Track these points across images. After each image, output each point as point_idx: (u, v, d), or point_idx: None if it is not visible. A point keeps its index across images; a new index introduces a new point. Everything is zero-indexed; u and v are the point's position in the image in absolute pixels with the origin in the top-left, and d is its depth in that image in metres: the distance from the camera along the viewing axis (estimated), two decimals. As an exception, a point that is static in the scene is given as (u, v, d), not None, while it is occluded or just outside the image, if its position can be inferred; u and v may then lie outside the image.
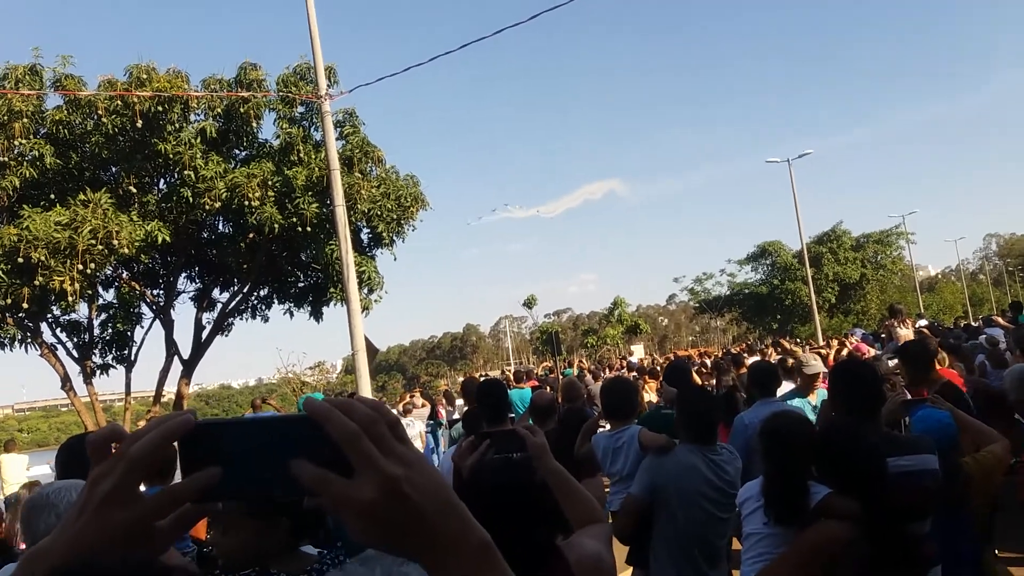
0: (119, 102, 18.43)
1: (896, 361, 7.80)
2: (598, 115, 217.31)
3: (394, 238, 21.46)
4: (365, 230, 21.48)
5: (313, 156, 20.29)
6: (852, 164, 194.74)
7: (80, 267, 17.04)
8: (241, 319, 23.85)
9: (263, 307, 24.05)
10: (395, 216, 20.99)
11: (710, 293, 74.14)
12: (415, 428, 14.52)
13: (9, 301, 17.19)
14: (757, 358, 14.67)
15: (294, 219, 19.51)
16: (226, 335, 23.68)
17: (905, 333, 12.84)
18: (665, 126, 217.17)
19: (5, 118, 17.64)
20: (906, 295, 66.61)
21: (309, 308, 23.50)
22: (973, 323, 29.73)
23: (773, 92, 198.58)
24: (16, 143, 17.97)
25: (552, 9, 13.80)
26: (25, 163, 18.47)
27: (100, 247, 17.26)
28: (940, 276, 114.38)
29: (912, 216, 65.34)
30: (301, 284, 23.55)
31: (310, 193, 19.61)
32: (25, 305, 17.29)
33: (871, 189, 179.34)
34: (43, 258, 16.65)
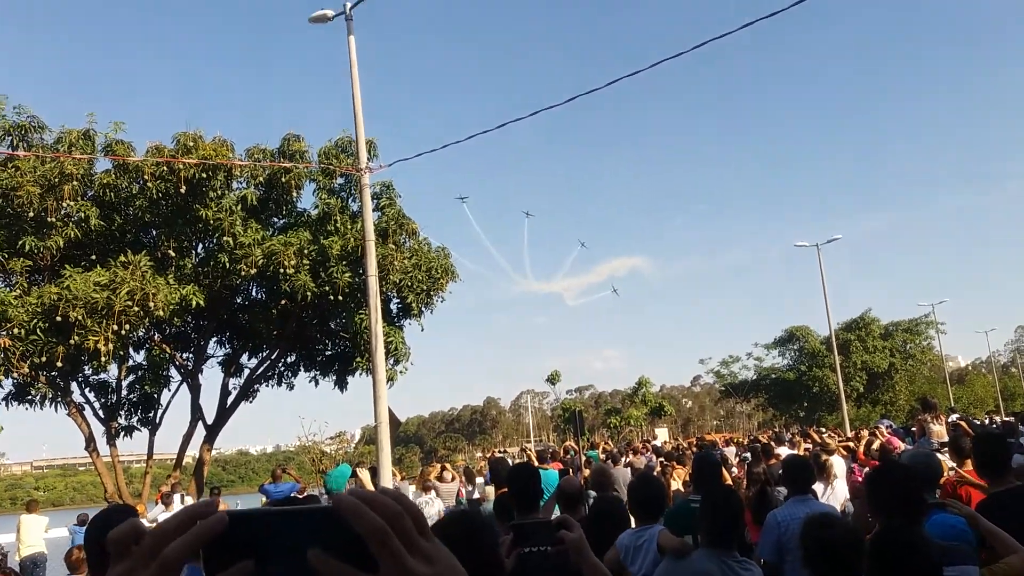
0: (165, 168, 18.98)
1: (947, 455, 7.66)
2: (626, 192, 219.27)
3: (423, 309, 21.65)
4: (395, 300, 21.72)
5: (349, 226, 20.66)
6: (881, 250, 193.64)
7: (115, 327, 17.33)
8: (267, 385, 23.98)
9: (289, 374, 24.20)
10: (425, 287, 21.22)
11: (736, 377, 73.36)
12: (434, 507, 13.83)
13: (44, 359, 17.47)
14: (786, 448, 14.47)
15: (327, 287, 19.77)
16: (251, 401, 23.79)
17: (938, 429, 12.64)
18: (692, 205, 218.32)
19: (56, 180, 18.20)
20: (935, 386, 65.45)
21: (334, 377, 23.61)
22: (1006, 417, 29.11)
23: (802, 175, 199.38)
24: (64, 204, 18.50)
25: (587, 93, 14.20)
26: (71, 224, 18.98)
27: (136, 308, 17.56)
28: (970, 368, 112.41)
29: (942, 305, 64.70)
30: (328, 352, 23.72)
31: (344, 262, 19.92)
32: (59, 364, 17.54)
33: (900, 276, 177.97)
34: (80, 317, 16.96)
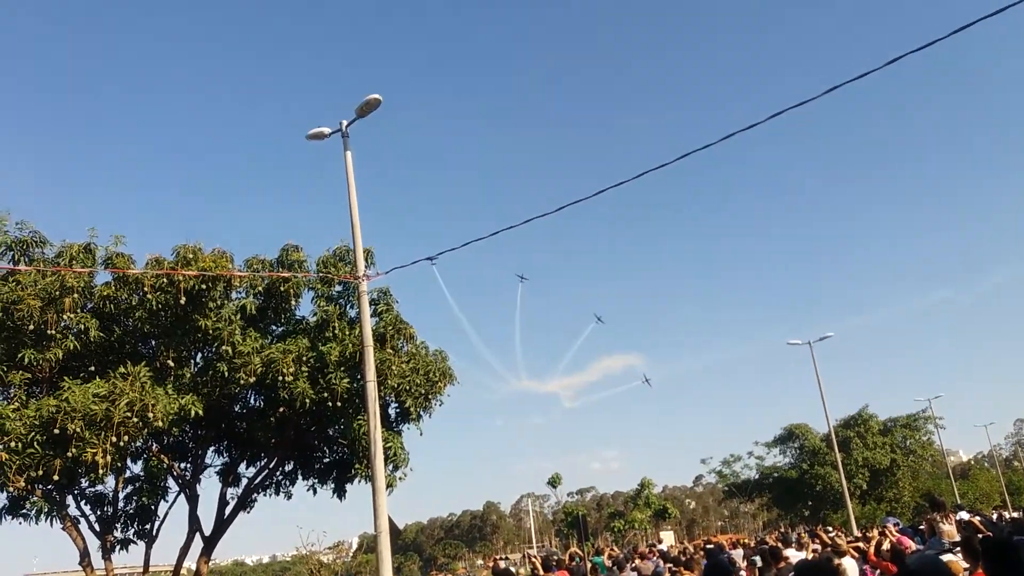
0: (165, 280, 19.20)
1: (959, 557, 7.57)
2: (618, 291, 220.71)
3: (421, 413, 21.54)
4: (393, 405, 21.62)
5: (347, 332, 20.77)
6: (874, 346, 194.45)
7: (114, 439, 17.19)
8: (264, 494, 23.59)
9: (287, 483, 23.84)
10: (423, 391, 21.17)
11: (739, 476, 72.32)
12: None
13: (40, 472, 17.24)
14: (794, 550, 14.22)
15: (325, 394, 19.73)
16: (248, 511, 23.36)
17: (949, 528, 12.49)
18: (684, 305, 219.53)
19: (57, 293, 18.36)
20: (939, 482, 64.59)
21: (333, 484, 23.26)
22: (1013, 513, 28.63)
23: (793, 273, 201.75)
24: (65, 317, 18.61)
25: (578, 201, 14.53)
26: (70, 336, 19.05)
27: (135, 420, 17.46)
28: (972, 462, 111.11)
29: (939, 400, 64.42)
30: (327, 460, 23.45)
31: (342, 368, 19.94)
32: (56, 477, 17.32)
33: (896, 371, 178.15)
34: (78, 430, 16.85)
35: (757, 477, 70.43)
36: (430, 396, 21.49)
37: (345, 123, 16.16)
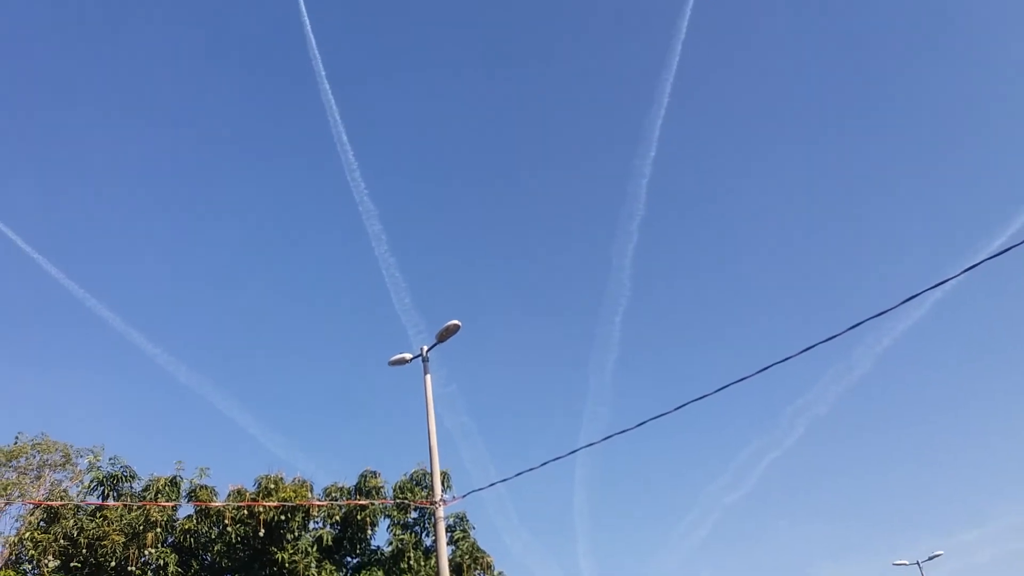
0: (245, 511, 19.36)
1: None
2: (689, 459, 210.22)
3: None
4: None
5: (423, 563, 20.35)
6: (992, 564, 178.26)
7: None
8: None
9: None
10: (502, 627, 20.26)
11: None
12: None
13: None
14: None
15: (401, 629, 19.03)
16: None
17: None
18: (775, 518, 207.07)
19: (141, 527, 18.63)
20: None
21: None
22: None
23: (893, 482, 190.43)
24: (146, 552, 18.74)
25: (658, 417, 14.56)
26: (149, 572, 19.05)
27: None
28: None
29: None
30: None
31: (418, 602, 19.36)
32: None
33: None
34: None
35: None
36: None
37: (425, 348, 16.84)
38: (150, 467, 22.14)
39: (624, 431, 13.69)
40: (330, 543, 20.36)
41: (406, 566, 20.44)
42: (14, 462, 22.56)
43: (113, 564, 18.33)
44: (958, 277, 9.61)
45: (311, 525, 20.55)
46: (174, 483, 20.24)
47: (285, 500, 19.42)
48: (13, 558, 19.61)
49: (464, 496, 20.15)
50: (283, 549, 19.57)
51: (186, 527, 19.92)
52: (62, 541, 18.61)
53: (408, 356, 17.09)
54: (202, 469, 20.75)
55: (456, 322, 16.10)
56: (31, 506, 20.27)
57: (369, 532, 21.30)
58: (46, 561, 18.58)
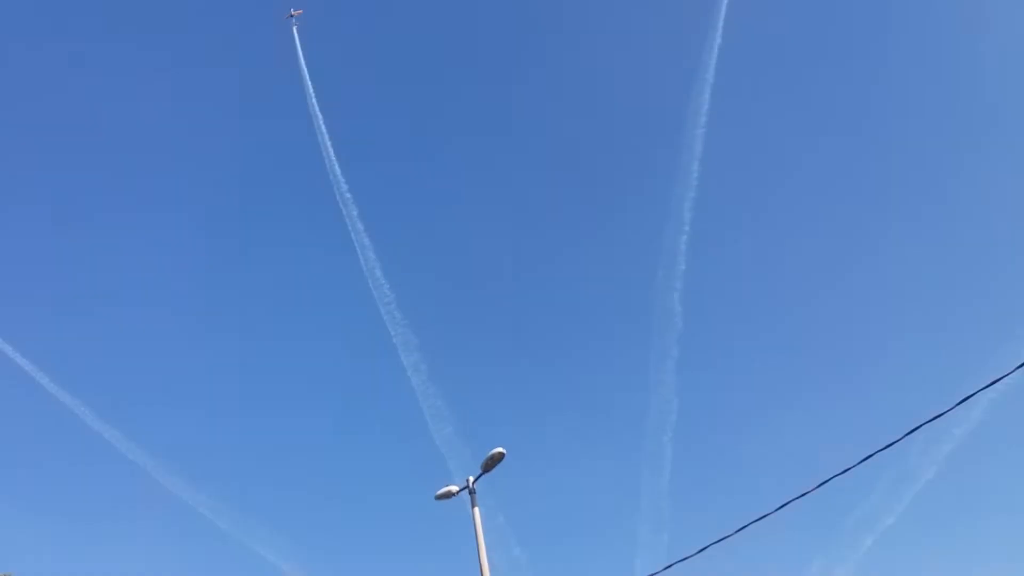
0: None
1: None
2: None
3: None
4: None
5: None
6: None
7: None
8: None
9: None
10: None
11: None
12: None
13: None
14: None
15: None
16: None
17: None
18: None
19: None
20: None
21: None
22: None
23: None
24: None
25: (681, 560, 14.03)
26: None
27: None
28: None
29: None
30: None
31: None
32: None
33: None
34: None
35: None
36: None
37: (472, 479, 16.58)
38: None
39: (685, 559, 13.21)
40: None
41: None
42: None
43: None
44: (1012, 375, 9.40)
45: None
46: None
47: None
48: None
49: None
50: None
51: None
52: None
53: (454, 488, 16.81)
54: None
55: (501, 450, 15.87)
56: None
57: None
58: None
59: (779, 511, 11.98)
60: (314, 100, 60.26)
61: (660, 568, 14.30)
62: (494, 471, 16.18)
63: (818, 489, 11.31)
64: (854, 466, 10.74)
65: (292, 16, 62.07)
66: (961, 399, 9.52)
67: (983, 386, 9.30)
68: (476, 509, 16.67)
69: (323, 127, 59.10)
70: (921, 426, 10.04)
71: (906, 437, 10.12)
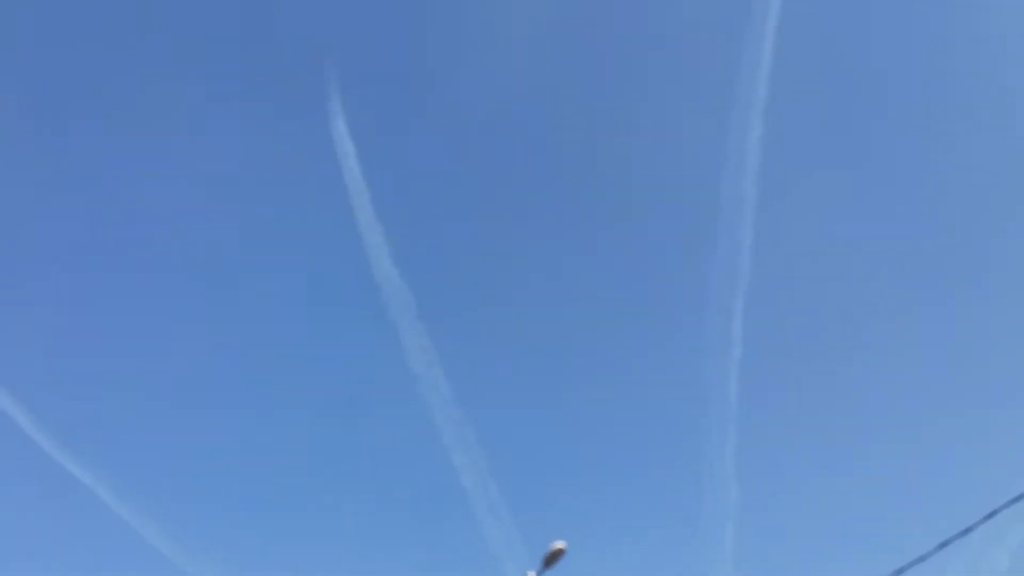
0: None
1: None
2: None
3: None
4: None
5: None
6: None
7: None
8: None
9: None
10: None
11: None
12: None
13: None
14: None
15: None
16: None
17: None
18: None
19: None
20: None
21: None
22: None
23: None
24: None
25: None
26: None
27: None
28: None
29: None
30: None
31: None
32: None
33: None
34: None
35: None
36: None
37: (532, 575, 16.16)
38: None
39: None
40: None
41: None
42: None
43: None
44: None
45: None
46: None
47: None
48: None
49: None
50: None
51: None
52: None
53: (522, 581, 16.34)
54: None
55: (562, 544, 15.42)
56: None
57: None
58: None
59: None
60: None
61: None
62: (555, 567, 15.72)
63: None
64: (929, 554, 10.24)
65: None
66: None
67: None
68: (535, 606, 16.15)
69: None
70: (998, 511, 9.55)
71: (982, 523, 9.63)
